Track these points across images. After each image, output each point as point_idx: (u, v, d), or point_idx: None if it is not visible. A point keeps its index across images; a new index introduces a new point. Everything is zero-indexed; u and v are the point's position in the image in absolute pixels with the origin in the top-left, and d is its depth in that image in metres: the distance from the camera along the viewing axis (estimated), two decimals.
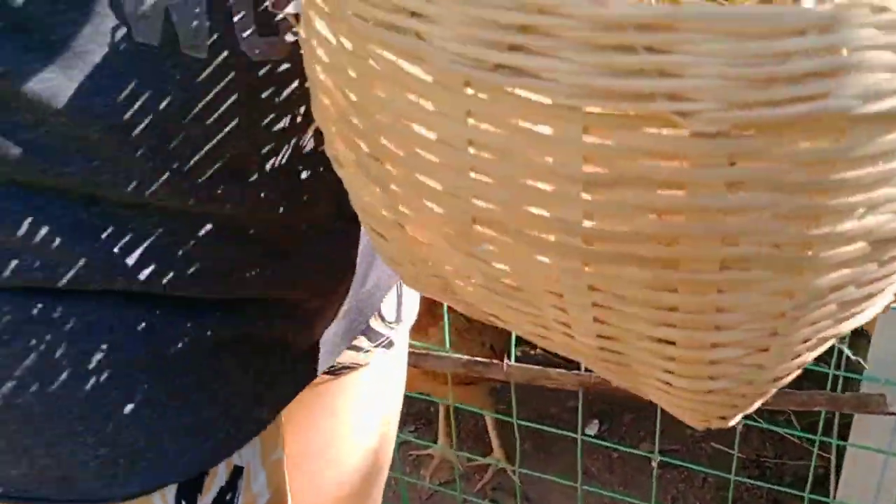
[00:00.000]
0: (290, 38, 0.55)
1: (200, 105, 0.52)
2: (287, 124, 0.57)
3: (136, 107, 0.50)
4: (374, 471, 0.93)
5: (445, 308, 1.48)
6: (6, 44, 0.46)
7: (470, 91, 0.34)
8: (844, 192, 0.34)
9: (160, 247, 0.55)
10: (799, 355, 0.45)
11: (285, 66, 0.55)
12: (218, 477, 0.63)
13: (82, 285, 0.54)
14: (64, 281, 0.53)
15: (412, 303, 0.88)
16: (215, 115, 0.53)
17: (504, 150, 0.35)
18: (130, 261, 0.55)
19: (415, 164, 0.39)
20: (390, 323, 0.83)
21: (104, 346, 0.55)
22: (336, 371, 0.80)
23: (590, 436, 2.07)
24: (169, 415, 0.59)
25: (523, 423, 1.62)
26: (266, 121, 0.57)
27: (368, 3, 0.36)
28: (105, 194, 0.52)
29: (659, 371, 0.44)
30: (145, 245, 0.55)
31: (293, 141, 0.59)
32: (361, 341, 0.80)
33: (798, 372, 0.47)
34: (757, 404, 0.48)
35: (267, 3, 0.52)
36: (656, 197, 0.33)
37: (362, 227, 0.53)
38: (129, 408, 0.57)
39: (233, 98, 0.53)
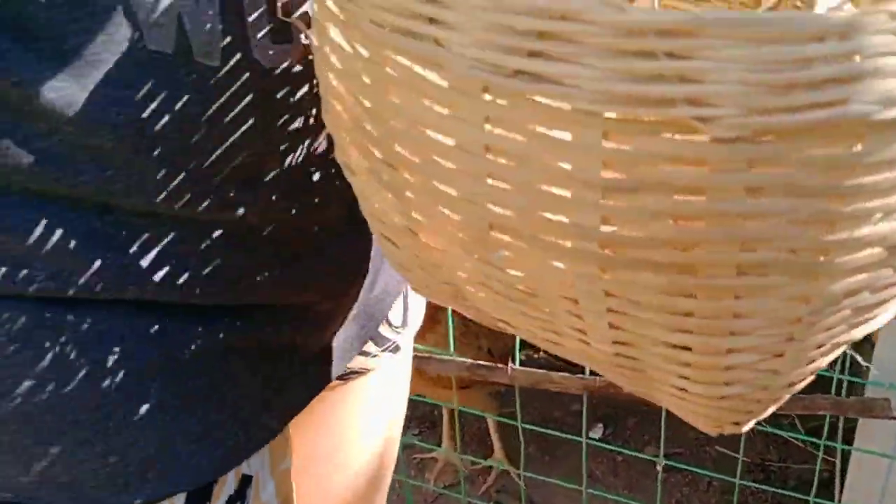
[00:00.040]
0: (302, 43, 0.55)
1: (214, 112, 0.52)
2: (299, 127, 0.58)
3: (149, 115, 0.50)
4: (379, 474, 0.93)
5: (450, 312, 1.47)
6: (20, 53, 0.46)
7: (488, 97, 0.34)
8: (861, 197, 0.34)
9: (172, 254, 0.55)
10: (813, 360, 0.45)
11: (297, 69, 0.55)
12: (227, 486, 0.63)
13: (94, 294, 0.53)
14: (76, 289, 0.53)
15: (418, 308, 0.88)
16: (229, 122, 0.53)
17: (522, 156, 0.35)
18: (142, 269, 0.55)
19: (430, 170, 0.39)
20: (397, 328, 0.83)
21: (115, 355, 0.55)
22: (344, 376, 0.80)
23: (594, 439, 2.07)
24: (179, 423, 0.59)
25: (527, 426, 1.62)
26: (279, 124, 0.57)
27: (385, 9, 0.36)
28: (118, 203, 0.52)
29: (674, 377, 0.44)
30: (157, 252, 0.55)
31: (305, 143, 0.59)
32: (369, 346, 0.80)
33: (811, 377, 0.47)
34: (771, 410, 0.48)
35: (280, 2, 0.52)
36: (675, 202, 0.33)
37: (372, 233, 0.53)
38: (139, 416, 0.57)
39: (246, 104, 0.53)
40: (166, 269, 0.55)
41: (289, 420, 0.68)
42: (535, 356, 2.17)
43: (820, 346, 0.44)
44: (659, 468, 1.55)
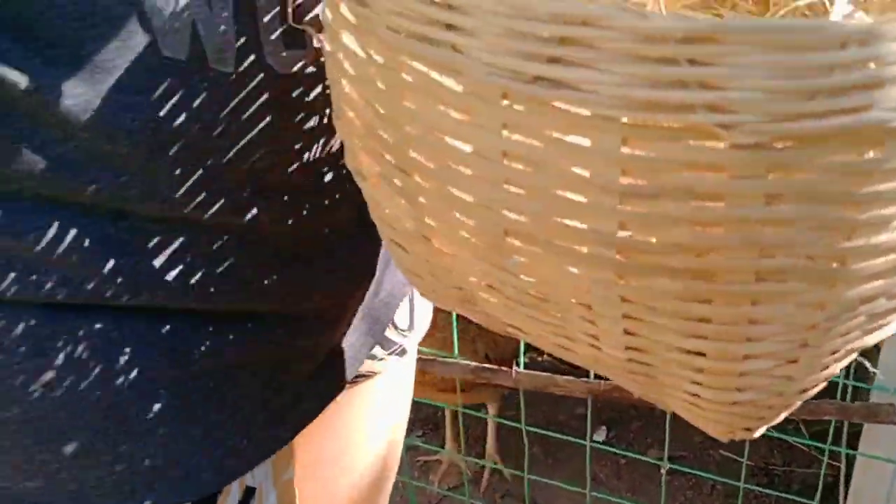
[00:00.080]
0: (315, 47, 0.55)
1: (228, 116, 0.52)
2: (312, 130, 0.58)
3: (164, 120, 0.50)
4: (383, 476, 0.93)
5: (454, 316, 1.47)
6: (36, 59, 0.46)
7: (506, 103, 0.34)
8: (879, 204, 0.34)
9: (184, 258, 0.55)
10: (827, 367, 0.45)
11: (310, 72, 0.55)
12: (231, 496, 0.63)
13: (105, 300, 0.53)
14: (87, 295, 0.53)
15: (425, 311, 0.88)
16: (242, 126, 0.53)
17: (539, 162, 0.35)
18: (154, 273, 0.55)
19: (446, 176, 0.39)
20: (403, 331, 0.83)
21: (125, 364, 0.55)
22: (352, 379, 0.80)
23: (598, 442, 2.07)
24: (187, 433, 0.59)
25: (531, 429, 1.62)
26: (292, 128, 0.57)
27: (402, 15, 0.36)
28: (132, 208, 0.52)
29: (686, 382, 0.44)
30: (169, 257, 0.55)
31: (317, 146, 0.59)
32: (376, 349, 0.80)
33: (824, 384, 0.47)
34: (782, 416, 0.48)
35: (292, 5, 0.52)
36: (693, 208, 0.33)
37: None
38: (147, 426, 0.57)
39: (259, 108, 0.53)
40: (178, 273, 0.55)
41: (300, 430, 0.68)
42: (539, 359, 2.17)
43: (834, 353, 0.44)
44: (663, 471, 1.55)
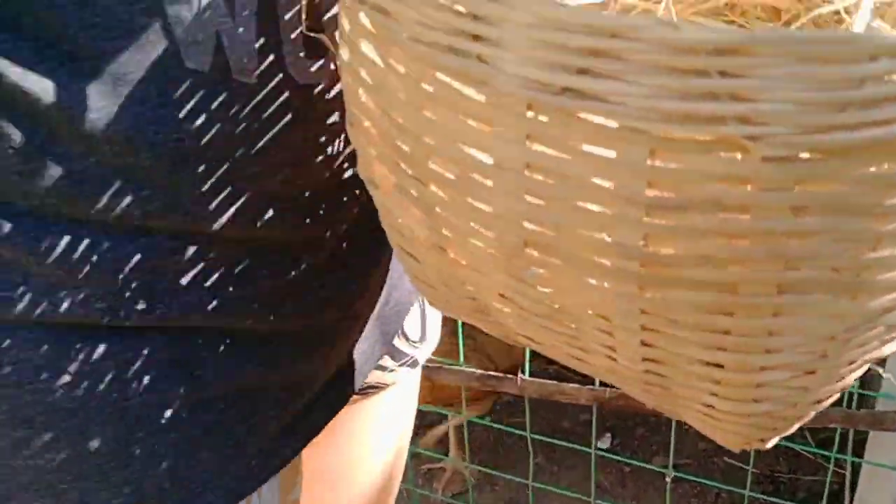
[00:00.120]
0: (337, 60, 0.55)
1: (250, 128, 0.52)
2: (334, 142, 0.58)
3: (186, 133, 0.50)
4: (389, 485, 0.93)
5: (460, 324, 1.47)
6: (60, 72, 0.46)
7: (531, 114, 0.33)
8: None
9: (202, 274, 0.55)
10: (843, 377, 0.45)
11: (331, 86, 0.55)
12: None
13: (120, 320, 0.53)
14: (102, 315, 0.52)
15: (436, 322, 0.87)
16: (264, 138, 0.53)
17: (563, 174, 0.34)
18: (172, 293, 0.54)
19: (465, 186, 0.39)
20: (415, 342, 0.82)
21: (138, 386, 0.55)
22: (362, 391, 0.80)
23: (602, 450, 2.06)
24: (196, 456, 0.58)
25: (536, 436, 1.61)
26: (314, 140, 0.57)
27: (426, 26, 0.35)
28: (154, 224, 0.52)
29: (703, 394, 0.44)
30: (188, 274, 0.54)
31: (339, 158, 0.59)
32: (386, 361, 0.79)
33: (838, 394, 0.47)
34: (795, 427, 0.48)
35: (307, 17, 0.52)
36: (719, 220, 0.33)
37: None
38: (157, 449, 0.57)
39: (283, 121, 0.53)
40: (195, 290, 0.55)
41: (307, 443, 0.68)
42: (548, 369, 2.16)
43: (851, 363, 0.43)
44: (667, 479, 1.54)
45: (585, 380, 1.44)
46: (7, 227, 0.49)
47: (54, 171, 0.48)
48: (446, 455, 2.08)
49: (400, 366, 0.82)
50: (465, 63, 0.34)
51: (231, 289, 0.56)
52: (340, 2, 0.46)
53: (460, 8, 0.34)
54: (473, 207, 0.40)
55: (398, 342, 0.79)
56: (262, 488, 0.64)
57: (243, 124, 0.52)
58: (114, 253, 0.51)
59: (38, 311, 0.51)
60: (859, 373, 0.46)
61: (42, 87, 0.46)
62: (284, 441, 0.65)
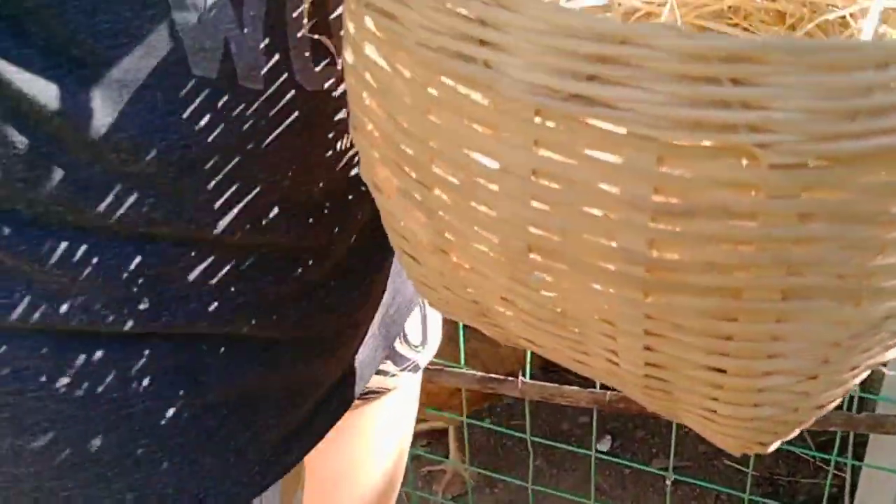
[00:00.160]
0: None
1: (257, 134, 0.52)
2: (340, 145, 0.57)
3: (193, 140, 0.50)
4: (389, 489, 0.93)
5: (461, 326, 1.47)
6: (65, 80, 0.46)
7: (538, 120, 0.33)
8: None
9: (207, 282, 0.55)
10: (845, 382, 0.45)
11: (338, 91, 0.55)
12: None
13: (125, 327, 0.53)
14: (107, 322, 0.52)
15: (437, 326, 0.87)
16: (271, 144, 0.53)
17: (569, 179, 0.34)
18: (178, 300, 0.54)
19: (470, 191, 0.39)
20: (416, 346, 0.82)
21: (141, 392, 0.55)
22: (364, 395, 0.80)
23: (602, 452, 2.06)
24: (199, 462, 0.58)
25: (536, 439, 1.61)
26: (320, 146, 0.56)
27: (433, 30, 0.35)
28: (158, 231, 0.52)
29: (704, 399, 0.44)
30: (192, 282, 0.54)
31: (344, 164, 0.58)
32: (388, 365, 0.79)
33: (839, 399, 0.47)
34: (796, 431, 0.48)
35: (308, 13, 0.52)
36: (726, 227, 0.33)
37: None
38: (160, 456, 0.57)
39: (289, 126, 0.53)
40: (199, 297, 0.55)
41: (310, 450, 0.68)
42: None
43: (853, 369, 0.44)
44: (667, 482, 1.54)
45: (585, 382, 1.44)
46: (10, 234, 0.49)
47: (59, 178, 0.48)
48: (446, 457, 2.08)
49: (401, 370, 0.82)
50: (472, 68, 0.34)
51: (236, 296, 0.56)
52: (345, 4, 0.46)
53: (467, 13, 0.34)
54: (478, 212, 0.39)
55: (399, 347, 0.79)
56: (264, 494, 0.64)
57: (250, 131, 0.52)
58: (118, 260, 0.51)
59: (41, 317, 0.51)
60: (860, 378, 0.46)
61: (48, 94, 0.45)
62: (287, 447, 0.65)
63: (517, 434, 1.73)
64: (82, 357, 0.52)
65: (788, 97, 0.28)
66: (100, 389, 0.53)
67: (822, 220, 0.32)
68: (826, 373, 0.42)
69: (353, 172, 0.60)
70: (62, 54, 0.45)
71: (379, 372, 0.78)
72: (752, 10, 0.60)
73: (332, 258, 0.62)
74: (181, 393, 0.56)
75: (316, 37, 0.53)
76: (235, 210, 0.53)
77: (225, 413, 0.59)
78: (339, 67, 0.55)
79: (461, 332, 1.49)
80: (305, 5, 0.52)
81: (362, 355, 0.72)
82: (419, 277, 0.52)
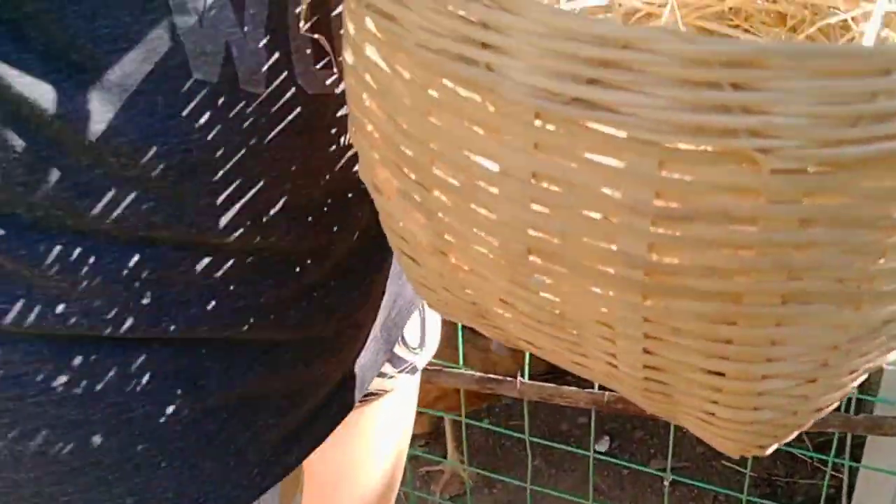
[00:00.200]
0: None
1: (258, 138, 0.52)
2: (341, 148, 0.57)
3: (194, 144, 0.50)
4: (388, 490, 0.93)
5: (460, 327, 1.47)
6: (65, 84, 0.46)
7: (539, 123, 0.33)
8: None
9: (207, 285, 0.55)
10: (843, 386, 0.45)
11: (340, 91, 0.55)
12: None
13: (125, 333, 0.53)
14: (108, 327, 0.52)
15: (435, 328, 0.87)
16: (272, 147, 0.53)
17: (569, 182, 0.34)
18: (177, 305, 0.54)
19: (469, 193, 0.39)
20: (414, 349, 0.82)
21: (141, 396, 0.55)
22: (362, 397, 0.79)
23: (601, 453, 2.06)
24: (199, 466, 0.58)
25: (535, 439, 1.61)
26: (322, 147, 0.56)
27: (433, 32, 0.35)
28: (159, 235, 0.52)
29: (704, 402, 0.44)
30: (193, 285, 0.54)
31: (344, 166, 0.58)
32: (386, 367, 0.79)
33: (838, 402, 0.47)
34: (794, 434, 0.48)
35: (306, 13, 0.52)
36: (727, 231, 0.33)
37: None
38: (160, 460, 0.57)
39: (290, 129, 0.53)
40: (200, 301, 0.55)
41: (311, 452, 0.68)
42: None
43: (852, 372, 0.44)
44: (665, 482, 1.54)
45: (584, 383, 1.44)
46: (9, 238, 0.49)
47: (59, 182, 0.48)
48: (444, 457, 2.08)
49: (399, 372, 0.82)
50: (473, 71, 0.34)
51: (236, 299, 0.56)
52: (345, 4, 0.45)
53: (469, 15, 0.34)
54: (477, 214, 0.39)
55: (398, 349, 0.79)
56: (262, 497, 0.64)
57: (251, 134, 0.52)
58: (118, 264, 0.51)
59: (41, 322, 0.50)
60: (858, 381, 0.46)
61: (48, 98, 0.45)
62: (287, 449, 0.65)
63: (516, 434, 1.73)
64: (82, 361, 0.52)
65: (790, 102, 0.28)
66: (100, 394, 0.53)
67: (823, 224, 0.32)
68: (825, 376, 0.42)
69: (353, 172, 0.59)
70: (62, 59, 0.45)
71: (378, 374, 0.78)
72: (754, 12, 0.60)
73: (331, 258, 0.62)
74: (181, 397, 0.56)
75: (316, 36, 0.53)
76: (236, 213, 0.53)
77: (225, 417, 0.59)
78: (340, 72, 0.55)
79: (460, 333, 1.49)
80: (304, 5, 0.51)
81: (364, 359, 0.71)
82: (418, 279, 0.52)
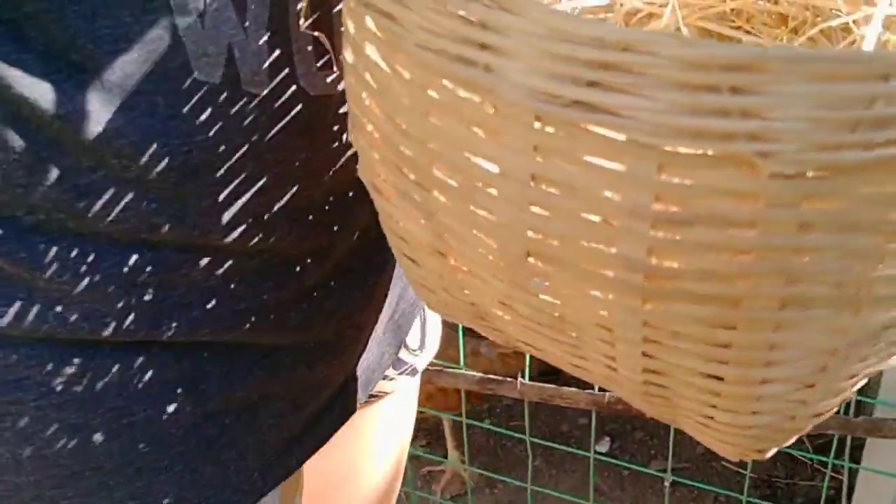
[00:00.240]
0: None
1: (261, 141, 0.52)
2: (343, 149, 0.57)
3: (196, 145, 0.49)
4: (388, 491, 0.93)
5: (461, 328, 1.47)
6: (66, 84, 0.45)
7: (538, 125, 0.33)
8: None
9: (208, 288, 0.55)
10: (842, 391, 0.45)
11: (341, 88, 0.55)
12: None
13: (126, 336, 0.53)
14: (109, 330, 0.52)
15: (435, 331, 0.87)
16: (274, 149, 0.53)
17: (569, 185, 0.34)
18: (178, 307, 0.54)
19: (469, 195, 0.39)
20: (414, 350, 0.82)
21: (142, 401, 0.55)
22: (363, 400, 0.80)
23: (601, 453, 2.06)
24: (200, 470, 0.58)
25: (535, 440, 1.61)
26: (324, 148, 0.56)
27: (433, 32, 0.35)
28: (161, 238, 0.51)
29: (703, 406, 0.44)
30: (194, 288, 0.54)
31: (349, 167, 0.58)
32: (387, 369, 0.79)
33: (837, 408, 0.47)
34: (793, 439, 0.47)
35: (306, 11, 0.52)
36: (726, 236, 0.33)
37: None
38: (161, 463, 0.56)
39: (293, 130, 0.53)
40: (201, 303, 0.55)
41: (312, 455, 0.67)
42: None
43: (851, 377, 0.43)
44: (666, 483, 1.54)
45: (584, 384, 1.44)
46: (10, 240, 0.48)
47: (59, 183, 0.48)
48: (445, 457, 2.08)
49: (399, 374, 0.82)
50: (473, 72, 0.34)
51: (237, 301, 0.56)
52: (345, 3, 0.45)
53: (468, 16, 0.34)
54: (476, 215, 0.39)
55: (399, 351, 0.79)
56: (263, 500, 0.64)
57: (253, 135, 0.51)
58: (119, 267, 0.51)
59: (41, 325, 0.50)
60: (858, 386, 0.46)
61: (49, 99, 0.45)
62: (289, 453, 0.64)
63: (517, 435, 1.73)
64: (83, 365, 0.52)
65: (789, 106, 0.28)
66: (100, 397, 0.53)
67: (823, 229, 0.32)
68: (824, 381, 0.42)
69: (354, 171, 0.59)
70: (62, 59, 0.45)
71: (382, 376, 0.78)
72: (755, 13, 0.59)
73: (332, 258, 0.62)
74: (183, 402, 0.56)
75: (316, 34, 0.53)
76: (239, 214, 0.53)
77: (226, 421, 0.59)
78: (341, 73, 0.55)
79: (461, 333, 1.49)
80: (303, 4, 0.51)
81: (367, 361, 0.71)
82: (418, 280, 0.52)
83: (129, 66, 0.46)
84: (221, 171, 0.51)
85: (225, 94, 0.49)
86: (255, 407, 0.60)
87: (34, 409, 0.52)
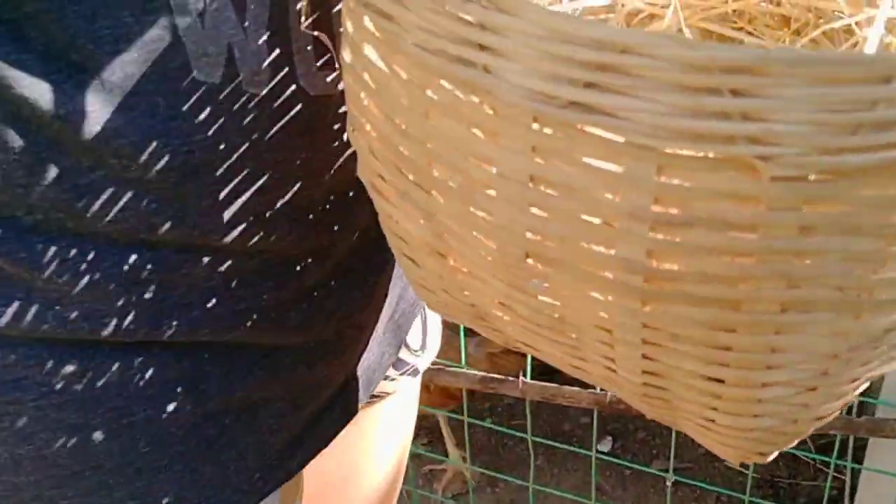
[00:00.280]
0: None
1: (261, 141, 0.52)
2: (343, 149, 0.57)
3: (196, 145, 0.49)
4: (389, 492, 0.93)
5: (462, 328, 1.47)
6: (66, 85, 0.45)
7: (536, 126, 0.33)
8: None
9: (208, 288, 0.55)
10: (844, 395, 0.44)
11: (341, 87, 0.55)
12: None
13: (126, 336, 0.53)
14: (108, 331, 0.52)
15: (436, 330, 0.87)
16: (274, 149, 0.53)
17: (567, 187, 0.34)
18: (178, 307, 0.54)
19: (467, 195, 0.39)
20: (415, 351, 0.82)
21: (142, 401, 0.54)
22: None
23: (603, 453, 2.06)
24: (200, 471, 0.58)
25: (537, 439, 1.61)
26: (324, 148, 0.56)
27: (431, 33, 0.35)
28: (160, 238, 0.51)
29: (703, 408, 0.44)
30: (194, 288, 0.54)
31: (349, 167, 0.58)
32: (388, 370, 0.79)
33: (838, 411, 0.47)
34: (795, 442, 0.47)
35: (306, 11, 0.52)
36: (726, 238, 0.33)
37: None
38: (161, 463, 0.56)
39: (293, 130, 0.53)
40: (201, 304, 0.55)
41: (314, 456, 0.67)
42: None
43: (853, 381, 0.43)
44: (668, 483, 1.54)
45: (586, 383, 1.44)
46: (9, 240, 0.48)
47: (59, 183, 0.47)
48: (447, 456, 2.07)
49: (401, 374, 0.81)
50: (471, 72, 0.34)
51: (237, 301, 0.56)
52: (344, 2, 0.45)
53: (467, 17, 0.33)
54: (475, 216, 0.39)
55: (399, 352, 0.79)
56: (263, 502, 0.63)
57: (253, 135, 0.51)
58: (119, 267, 0.51)
59: (41, 325, 0.50)
60: (860, 389, 0.46)
61: (48, 99, 0.45)
62: (290, 454, 0.64)
63: (518, 434, 1.73)
64: (82, 364, 0.52)
65: (790, 109, 0.28)
66: (100, 397, 0.53)
67: (824, 232, 0.32)
68: (825, 385, 0.41)
69: (354, 170, 0.59)
70: (62, 59, 0.45)
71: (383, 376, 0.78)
72: (757, 15, 0.59)
73: (332, 258, 0.62)
74: (183, 402, 0.56)
75: (316, 33, 0.52)
76: (239, 213, 0.53)
77: (226, 421, 0.59)
78: (341, 73, 0.54)
79: (461, 332, 1.49)
80: (303, 3, 0.51)
81: (367, 361, 0.71)
82: (418, 280, 0.52)
83: (129, 66, 0.46)
84: (221, 170, 0.51)
85: (225, 94, 0.49)
86: (256, 407, 0.60)
87: (33, 409, 0.52)
